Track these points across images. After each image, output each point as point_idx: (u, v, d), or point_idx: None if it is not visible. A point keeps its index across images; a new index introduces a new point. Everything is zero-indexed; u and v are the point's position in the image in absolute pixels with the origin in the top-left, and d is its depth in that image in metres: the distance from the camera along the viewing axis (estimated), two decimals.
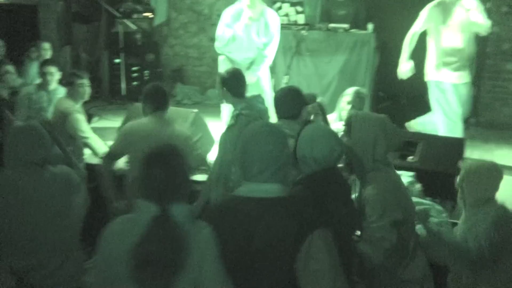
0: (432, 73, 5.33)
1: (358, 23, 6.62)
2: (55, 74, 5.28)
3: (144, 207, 1.90)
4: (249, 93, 4.01)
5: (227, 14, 5.44)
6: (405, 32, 5.48)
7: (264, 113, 3.80)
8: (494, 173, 2.89)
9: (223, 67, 5.40)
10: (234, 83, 3.91)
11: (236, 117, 3.82)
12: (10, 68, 5.37)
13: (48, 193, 2.67)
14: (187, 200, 1.97)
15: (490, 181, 2.86)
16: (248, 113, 3.78)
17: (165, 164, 1.93)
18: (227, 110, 5.05)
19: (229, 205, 2.04)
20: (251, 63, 5.38)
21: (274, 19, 5.43)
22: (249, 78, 5.13)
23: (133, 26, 8.15)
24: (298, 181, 2.45)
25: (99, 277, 1.96)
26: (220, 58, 5.55)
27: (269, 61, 5.50)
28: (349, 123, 2.68)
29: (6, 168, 2.68)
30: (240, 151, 2.05)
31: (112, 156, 3.75)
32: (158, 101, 3.72)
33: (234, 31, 5.29)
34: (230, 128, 3.85)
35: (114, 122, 6.17)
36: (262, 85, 5.48)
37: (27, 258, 2.65)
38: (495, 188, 2.86)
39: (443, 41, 5.17)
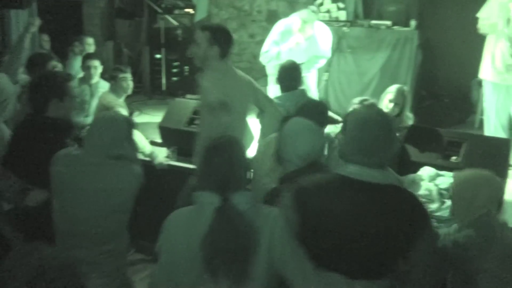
0: (489, 72, 5.13)
1: (401, 20, 6.51)
2: (97, 67, 5.37)
3: (206, 199, 1.96)
4: None
5: (276, 30, 5.43)
6: (450, 29, 5.34)
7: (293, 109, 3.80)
8: (491, 186, 2.58)
9: (270, 65, 5.42)
10: (280, 75, 4.07)
11: (260, 114, 3.91)
12: (56, 63, 5.49)
13: (116, 188, 2.68)
14: (245, 187, 2.04)
15: (487, 196, 2.54)
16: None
17: (226, 154, 2.00)
18: None
19: (334, 183, 2.00)
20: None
21: (325, 38, 5.38)
22: None
23: (174, 22, 8.21)
24: (283, 179, 2.43)
25: (166, 270, 2.00)
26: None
27: (318, 66, 5.51)
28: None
29: (87, 155, 2.68)
30: (348, 133, 2.01)
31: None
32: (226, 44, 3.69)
33: (279, 49, 5.28)
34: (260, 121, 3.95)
35: (154, 117, 6.23)
36: (308, 84, 5.46)
37: (78, 242, 2.68)
38: (492, 203, 2.56)
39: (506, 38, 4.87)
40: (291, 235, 1.93)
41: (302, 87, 4.26)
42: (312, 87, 5.53)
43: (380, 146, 1.95)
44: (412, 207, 1.95)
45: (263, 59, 5.48)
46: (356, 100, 4.09)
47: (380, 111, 2.15)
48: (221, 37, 3.59)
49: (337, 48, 6.06)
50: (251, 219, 1.91)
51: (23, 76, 4.68)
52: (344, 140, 2.04)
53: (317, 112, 3.25)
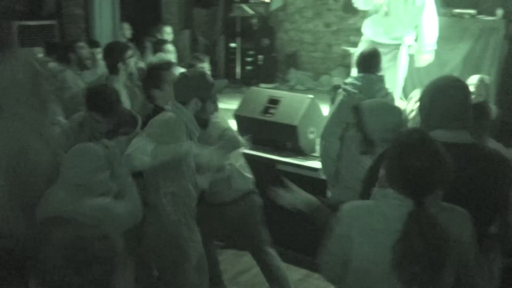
0: None
1: (485, 8, 6.19)
2: (171, 52, 5.46)
3: (395, 201, 1.79)
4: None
5: None
6: None
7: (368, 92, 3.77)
8: None
9: (361, 46, 5.35)
10: (357, 59, 4.11)
11: (332, 90, 3.85)
12: (133, 52, 5.66)
13: None
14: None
15: None
16: (350, 90, 3.79)
17: (426, 154, 1.77)
18: None
19: None
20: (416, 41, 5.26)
21: None
22: (422, 60, 5.19)
23: (249, 11, 8.24)
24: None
25: (356, 275, 1.89)
26: (363, 38, 5.47)
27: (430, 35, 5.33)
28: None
29: None
30: (429, 103, 2.14)
31: None
32: None
33: None
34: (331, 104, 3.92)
35: (229, 105, 6.28)
36: (397, 71, 5.33)
37: None
38: None
39: None
40: (475, 234, 1.86)
41: (381, 73, 4.18)
42: (398, 75, 5.40)
43: (461, 110, 2.10)
44: (499, 161, 2.08)
45: (357, 1, 5.36)
46: (416, 92, 4.00)
47: (455, 78, 2.22)
48: None
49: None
50: (444, 223, 1.76)
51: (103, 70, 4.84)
52: (425, 111, 2.15)
53: None
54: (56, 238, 1.58)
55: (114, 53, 4.30)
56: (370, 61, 4.01)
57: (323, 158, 3.97)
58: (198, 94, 2.89)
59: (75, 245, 1.55)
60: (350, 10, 7.16)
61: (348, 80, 4.05)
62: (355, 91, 3.82)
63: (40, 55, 5.67)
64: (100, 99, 3.12)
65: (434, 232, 1.72)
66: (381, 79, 4.01)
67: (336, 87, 4.38)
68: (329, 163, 3.89)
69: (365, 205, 1.90)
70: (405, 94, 5.82)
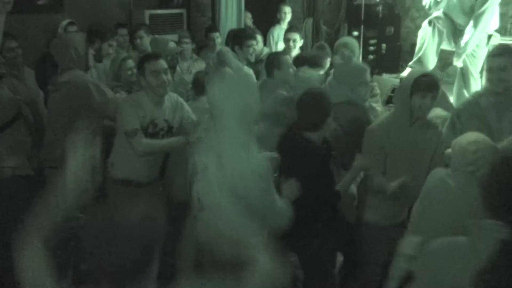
0: None
1: None
2: (296, 40, 5.49)
3: (491, 227, 1.60)
4: None
5: None
6: None
7: None
8: None
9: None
10: None
11: None
12: (259, 37, 5.80)
13: None
14: None
15: None
16: None
17: None
18: None
19: None
20: None
21: None
22: None
23: None
24: None
25: None
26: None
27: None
28: None
29: None
30: None
31: None
32: None
33: None
34: None
35: None
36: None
37: None
38: None
39: None
40: None
41: None
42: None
43: None
44: None
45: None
46: None
47: None
48: None
49: None
50: None
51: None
52: None
53: None
54: None
55: (238, 38, 4.56)
56: None
57: None
58: None
59: None
60: None
61: None
62: None
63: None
64: None
65: None
66: None
67: None
68: None
69: (455, 242, 1.71)
70: None
